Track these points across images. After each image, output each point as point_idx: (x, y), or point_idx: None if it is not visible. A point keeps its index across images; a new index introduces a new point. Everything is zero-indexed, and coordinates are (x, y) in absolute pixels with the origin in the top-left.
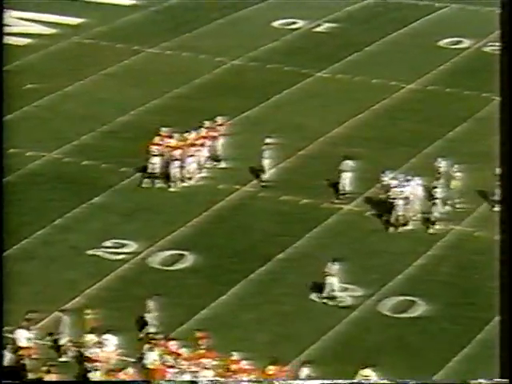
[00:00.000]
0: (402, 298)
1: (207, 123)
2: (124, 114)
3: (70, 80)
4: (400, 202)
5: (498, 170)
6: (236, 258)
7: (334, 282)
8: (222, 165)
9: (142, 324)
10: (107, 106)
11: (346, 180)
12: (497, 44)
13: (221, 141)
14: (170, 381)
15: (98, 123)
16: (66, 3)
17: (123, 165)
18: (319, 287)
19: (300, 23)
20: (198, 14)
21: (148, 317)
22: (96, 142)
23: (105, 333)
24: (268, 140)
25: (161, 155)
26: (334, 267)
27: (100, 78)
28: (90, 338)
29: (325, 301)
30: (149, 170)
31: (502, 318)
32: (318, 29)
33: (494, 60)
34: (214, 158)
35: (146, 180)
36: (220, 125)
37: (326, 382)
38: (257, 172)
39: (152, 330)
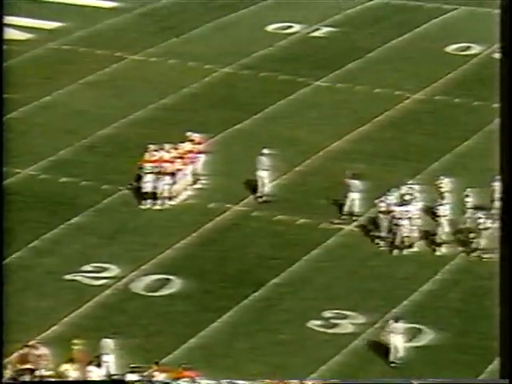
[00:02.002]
0: (407, 325)
1: (190, 135)
2: (105, 126)
3: (47, 90)
4: (405, 222)
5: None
6: (227, 282)
7: (399, 343)
8: (212, 182)
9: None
10: (87, 118)
11: (355, 201)
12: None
13: (205, 157)
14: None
15: (77, 137)
16: (41, 6)
17: (104, 182)
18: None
19: (296, 27)
20: (185, 18)
21: (106, 358)
22: (75, 158)
23: (89, 364)
24: (265, 151)
25: (153, 173)
26: (398, 325)
27: (79, 87)
28: (65, 368)
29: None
30: (144, 190)
31: (502, 316)
32: (316, 33)
33: None
34: (202, 174)
35: (143, 201)
36: (198, 143)
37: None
38: (251, 188)
39: (112, 371)
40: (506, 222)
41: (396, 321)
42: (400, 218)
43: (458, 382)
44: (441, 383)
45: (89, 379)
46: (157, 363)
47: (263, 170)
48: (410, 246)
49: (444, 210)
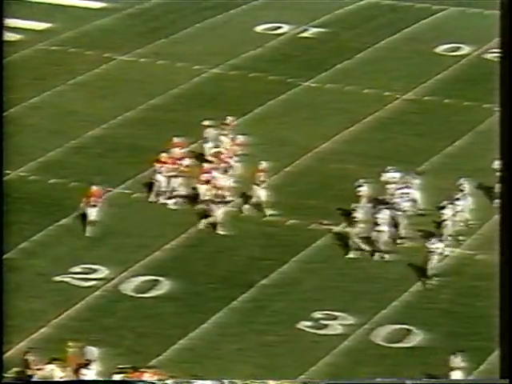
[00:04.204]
0: (397, 326)
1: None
2: (94, 127)
3: (35, 91)
4: (385, 228)
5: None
6: (217, 284)
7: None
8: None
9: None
10: (76, 118)
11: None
12: (499, 51)
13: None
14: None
15: (66, 138)
16: (30, 6)
17: (93, 183)
18: None
19: (285, 28)
20: (174, 18)
21: (91, 367)
22: (64, 159)
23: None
24: (207, 122)
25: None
26: (457, 360)
27: (68, 88)
28: (50, 368)
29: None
30: (156, 189)
31: (502, 315)
32: (305, 34)
33: (496, 68)
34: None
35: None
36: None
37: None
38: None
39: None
40: (505, 221)
41: (456, 356)
42: (380, 224)
43: (457, 381)
44: (437, 383)
45: (85, 379)
46: (135, 368)
47: (208, 141)
48: (392, 251)
49: (449, 211)
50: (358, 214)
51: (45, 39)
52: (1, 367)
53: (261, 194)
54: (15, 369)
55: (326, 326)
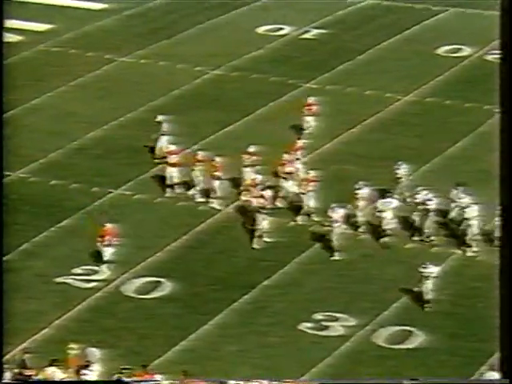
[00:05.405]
0: (398, 328)
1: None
2: (95, 128)
3: (36, 92)
4: (387, 215)
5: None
6: (217, 285)
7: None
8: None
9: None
10: (76, 120)
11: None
12: (499, 51)
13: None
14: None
15: (67, 139)
16: (31, 8)
17: (94, 185)
18: None
19: (287, 29)
20: (175, 19)
21: (92, 368)
22: (64, 160)
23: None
24: (160, 117)
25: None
26: (491, 374)
27: (69, 89)
28: (51, 370)
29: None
30: (198, 188)
31: (502, 316)
32: (307, 35)
33: (497, 69)
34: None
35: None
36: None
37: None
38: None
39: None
40: (505, 222)
41: (489, 368)
42: (381, 211)
43: (457, 382)
44: (436, 383)
45: (85, 380)
46: (144, 366)
47: (162, 135)
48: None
49: (472, 211)
50: (334, 214)
51: (45, 40)
52: (1, 368)
53: (311, 203)
54: (15, 370)
55: (327, 327)
